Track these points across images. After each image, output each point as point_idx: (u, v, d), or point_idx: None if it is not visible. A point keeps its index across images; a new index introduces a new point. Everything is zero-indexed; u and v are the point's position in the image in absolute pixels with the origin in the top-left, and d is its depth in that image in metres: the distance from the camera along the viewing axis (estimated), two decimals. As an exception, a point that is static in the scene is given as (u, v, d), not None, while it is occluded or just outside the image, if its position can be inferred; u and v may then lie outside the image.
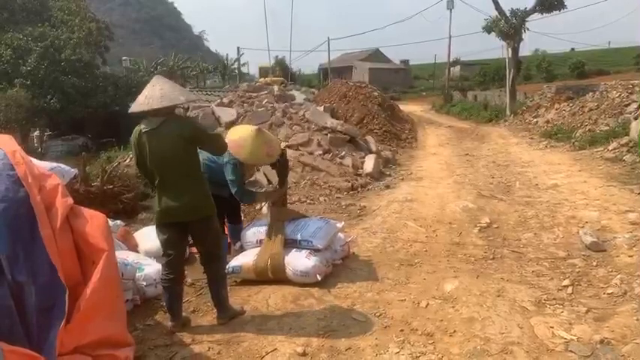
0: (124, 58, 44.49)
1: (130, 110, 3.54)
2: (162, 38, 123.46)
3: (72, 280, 3.13)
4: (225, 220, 5.30)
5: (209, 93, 25.27)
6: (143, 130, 3.53)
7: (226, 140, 4.79)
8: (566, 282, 4.50)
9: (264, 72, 41.12)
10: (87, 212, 3.37)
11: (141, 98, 3.50)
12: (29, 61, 24.40)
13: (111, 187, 6.94)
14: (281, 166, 5.09)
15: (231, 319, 3.95)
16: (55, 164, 4.51)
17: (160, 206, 3.63)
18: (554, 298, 4.19)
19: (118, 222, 5.30)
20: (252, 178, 7.34)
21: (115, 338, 3.18)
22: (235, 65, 49.64)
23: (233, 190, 4.81)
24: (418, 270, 4.97)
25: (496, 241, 5.78)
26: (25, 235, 3.05)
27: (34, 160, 4.26)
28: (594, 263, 4.93)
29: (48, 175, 3.41)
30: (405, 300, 4.28)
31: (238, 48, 46.05)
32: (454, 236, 6.01)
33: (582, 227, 5.87)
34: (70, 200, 3.31)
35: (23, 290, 2.95)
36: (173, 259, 3.73)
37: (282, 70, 44.49)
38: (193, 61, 50.38)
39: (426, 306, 4.15)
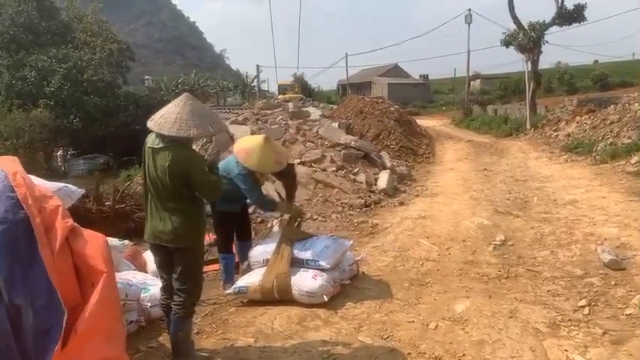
0: (146, 77, 45.32)
1: (148, 125, 3.43)
2: (184, 57, 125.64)
3: (71, 302, 3.10)
4: (235, 237, 5.27)
5: (227, 111, 25.50)
6: (147, 145, 3.48)
7: (235, 149, 4.80)
8: (582, 302, 4.33)
9: (282, 89, 41.55)
10: (87, 233, 3.34)
11: (157, 115, 3.42)
12: (53, 82, 24.95)
13: (122, 206, 6.97)
14: (289, 176, 5.07)
15: None
16: (62, 185, 4.53)
17: (146, 224, 3.60)
18: (569, 320, 4.03)
19: (126, 242, 5.28)
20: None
21: (112, 362, 3.13)
22: (255, 83, 50.12)
23: (252, 199, 4.83)
24: (429, 290, 4.85)
25: (511, 259, 5.63)
26: (23, 258, 3.04)
27: (40, 181, 4.28)
28: (613, 282, 4.75)
29: (49, 197, 3.40)
30: (413, 321, 4.17)
31: (258, 66, 46.53)
32: (467, 254, 5.87)
33: (601, 244, 5.68)
34: (70, 221, 3.29)
35: (20, 313, 2.93)
36: (168, 283, 3.65)
37: (301, 87, 44.81)
38: (213, 79, 50.96)
39: (435, 328, 4.03)
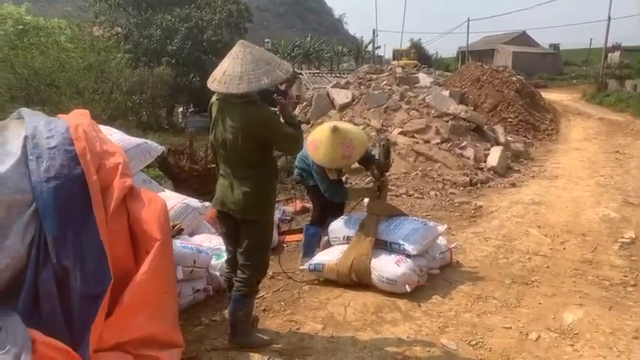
0: (266, 40, 46.07)
1: (209, 86, 3.09)
2: (304, 21, 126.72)
3: (122, 268, 2.87)
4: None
5: (339, 75, 25.14)
6: (215, 103, 3.15)
7: (308, 140, 4.40)
8: None
9: (398, 55, 40.29)
10: (146, 195, 3.08)
11: (218, 72, 3.04)
12: (175, 40, 25.97)
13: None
14: (380, 160, 4.52)
15: (242, 348, 3.26)
16: (141, 140, 4.34)
17: (216, 191, 3.28)
18: None
19: (207, 203, 5.06)
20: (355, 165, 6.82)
21: (159, 338, 2.88)
22: (370, 48, 49.09)
23: (323, 190, 4.46)
24: (534, 291, 4.12)
25: (641, 262, 4.69)
26: (76, 217, 2.83)
27: (119, 135, 4.12)
28: None
29: (111, 153, 3.17)
30: (510, 328, 3.53)
31: (374, 30, 45.28)
32: (586, 252, 4.99)
33: None
34: (129, 181, 3.05)
35: (69, 275, 2.75)
36: (233, 256, 3.33)
37: (417, 53, 43.15)
38: (328, 43, 50.72)
39: (537, 339, 3.38)
